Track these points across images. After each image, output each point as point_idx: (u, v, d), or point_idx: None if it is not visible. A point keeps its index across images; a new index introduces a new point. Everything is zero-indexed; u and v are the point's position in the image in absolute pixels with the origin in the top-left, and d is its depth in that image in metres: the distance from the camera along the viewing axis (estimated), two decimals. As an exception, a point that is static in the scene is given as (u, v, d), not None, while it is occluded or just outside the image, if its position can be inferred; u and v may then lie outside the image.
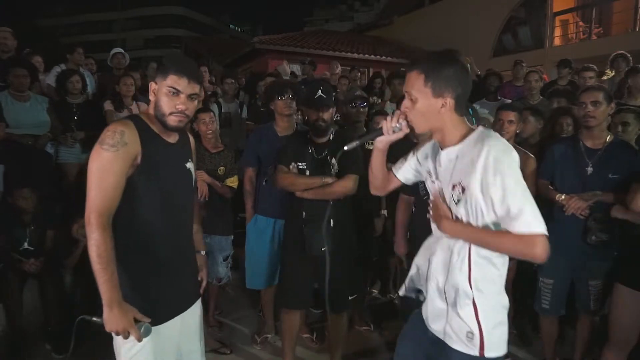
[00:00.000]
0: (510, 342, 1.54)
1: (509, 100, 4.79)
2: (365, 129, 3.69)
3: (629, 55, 4.98)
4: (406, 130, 1.50)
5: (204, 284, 1.96)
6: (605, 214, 2.45)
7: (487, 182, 1.31)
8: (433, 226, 1.58)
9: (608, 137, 2.56)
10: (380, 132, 1.55)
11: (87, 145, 4.09)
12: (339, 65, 6.81)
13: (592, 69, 4.70)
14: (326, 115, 2.52)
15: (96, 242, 1.44)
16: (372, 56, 13.72)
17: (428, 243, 1.66)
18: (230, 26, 54.54)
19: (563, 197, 2.54)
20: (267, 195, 2.98)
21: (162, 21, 45.11)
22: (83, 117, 4.17)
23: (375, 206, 3.37)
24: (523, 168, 1.41)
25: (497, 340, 1.43)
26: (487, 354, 1.40)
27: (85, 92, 4.50)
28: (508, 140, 2.62)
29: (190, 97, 1.62)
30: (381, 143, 1.62)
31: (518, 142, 2.98)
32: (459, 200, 1.41)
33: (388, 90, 5.68)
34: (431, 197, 1.58)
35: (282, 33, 14.75)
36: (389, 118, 1.52)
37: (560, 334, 2.89)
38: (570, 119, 3.31)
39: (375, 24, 20.38)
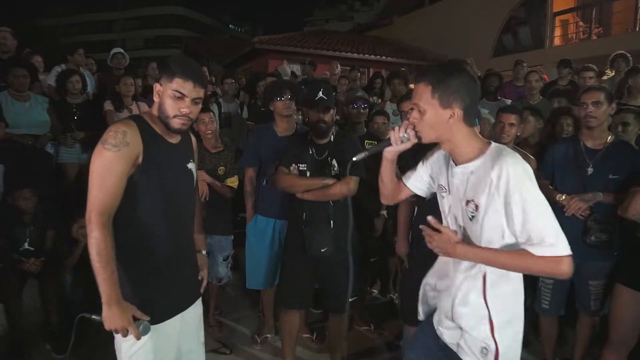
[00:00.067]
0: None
1: (509, 101, 4.79)
2: (365, 129, 3.70)
3: (629, 55, 4.98)
4: (414, 141, 1.49)
5: (204, 283, 1.97)
6: (606, 214, 2.45)
7: (508, 202, 1.30)
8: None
9: (609, 138, 2.56)
10: (388, 143, 1.55)
11: (87, 145, 4.09)
12: (339, 65, 6.80)
13: (592, 69, 4.70)
14: (327, 117, 2.53)
15: (96, 241, 1.44)
16: (372, 56, 13.72)
17: (437, 265, 1.64)
18: (230, 26, 54.53)
19: (563, 197, 2.54)
20: (267, 196, 2.98)
21: (162, 21, 45.12)
22: (83, 117, 4.18)
23: (375, 206, 3.37)
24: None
25: (513, 355, 1.43)
26: None
27: (85, 92, 4.50)
28: (508, 143, 2.65)
29: (195, 101, 1.63)
30: (390, 153, 1.61)
31: (517, 142, 2.98)
32: (473, 217, 1.40)
33: (388, 90, 5.68)
34: (443, 217, 1.55)
35: (282, 33, 14.75)
36: (397, 128, 1.51)
37: (560, 334, 2.89)
38: (570, 119, 3.31)
39: (375, 24, 20.37)
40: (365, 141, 3.45)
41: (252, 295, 3.70)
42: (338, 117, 4.29)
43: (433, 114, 1.40)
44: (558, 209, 2.57)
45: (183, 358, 1.83)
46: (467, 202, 1.41)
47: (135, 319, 1.51)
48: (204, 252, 2.05)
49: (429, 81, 1.40)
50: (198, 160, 1.95)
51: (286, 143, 2.76)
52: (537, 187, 1.32)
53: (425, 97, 1.40)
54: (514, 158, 1.34)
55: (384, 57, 13.85)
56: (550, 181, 2.70)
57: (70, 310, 3.11)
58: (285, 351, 2.76)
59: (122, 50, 5.66)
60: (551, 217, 1.29)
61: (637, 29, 11.38)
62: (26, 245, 3.20)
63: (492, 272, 1.41)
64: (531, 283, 2.86)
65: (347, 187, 2.47)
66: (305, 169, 2.58)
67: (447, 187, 1.53)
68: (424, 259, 1.77)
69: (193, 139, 1.91)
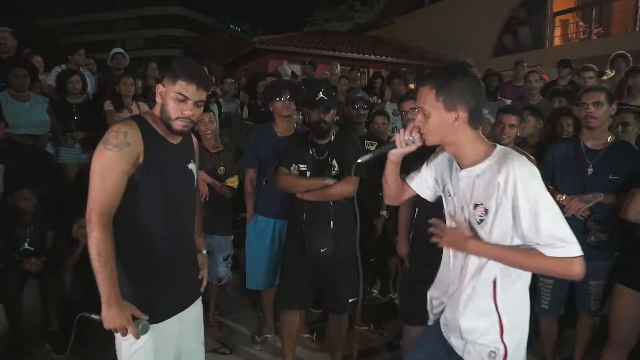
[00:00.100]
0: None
1: (509, 101, 4.79)
2: (365, 130, 3.70)
3: (629, 55, 4.98)
4: (419, 143, 1.50)
5: (204, 283, 1.97)
6: (606, 214, 2.45)
7: (516, 206, 1.30)
8: (448, 253, 1.55)
9: (609, 138, 2.55)
10: (393, 145, 1.56)
11: (87, 145, 4.09)
12: (339, 65, 6.80)
13: (592, 69, 4.69)
14: (327, 117, 2.53)
15: (96, 240, 1.45)
16: (372, 56, 13.71)
17: (440, 275, 1.64)
18: (230, 26, 54.51)
19: (564, 197, 2.53)
20: (267, 196, 2.98)
21: (162, 21, 45.12)
22: (83, 117, 4.17)
23: (375, 207, 3.37)
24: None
25: (520, 356, 1.44)
26: None
27: (85, 92, 4.50)
28: (508, 144, 2.65)
29: (197, 103, 1.63)
30: (394, 156, 1.61)
31: (517, 142, 2.98)
32: (481, 220, 1.40)
33: (388, 90, 5.68)
34: (448, 219, 1.55)
35: (282, 33, 14.75)
36: (402, 131, 1.52)
37: (560, 334, 2.89)
38: (570, 119, 3.30)
39: (375, 24, 20.38)
40: (366, 141, 3.45)
41: (252, 295, 3.70)
42: (338, 118, 4.29)
43: (438, 117, 1.40)
44: (558, 209, 2.57)
45: (183, 357, 1.83)
46: (476, 205, 1.41)
47: (134, 318, 1.51)
48: (204, 252, 2.05)
49: (433, 84, 1.40)
50: (198, 161, 1.95)
51: (286, 143, 2.76)
52: (545, 189, 1.32)
53: (429, 100, 1.40)
54: (520, 161, 1.34)
55: (384, 57, 13.85)
56: (550, 181, 2.69)
57: (70, 310, 3.11)
58: (285, 351, 2.76)
59: (122, 50, 5.66)
60: (561, 218, 1.29)
61: (637, 29, 11.39)
62: (26, 245, 3.20)
63: (502, 277, 1.40)
64: (531, 283, 2.86)
65: (347, 187, 2.47)
66: (306, 169, 2.57)
67: (452, 190, 1.53)
68: (425, 259, 1.77)
69: (194, 139, 1.91)
